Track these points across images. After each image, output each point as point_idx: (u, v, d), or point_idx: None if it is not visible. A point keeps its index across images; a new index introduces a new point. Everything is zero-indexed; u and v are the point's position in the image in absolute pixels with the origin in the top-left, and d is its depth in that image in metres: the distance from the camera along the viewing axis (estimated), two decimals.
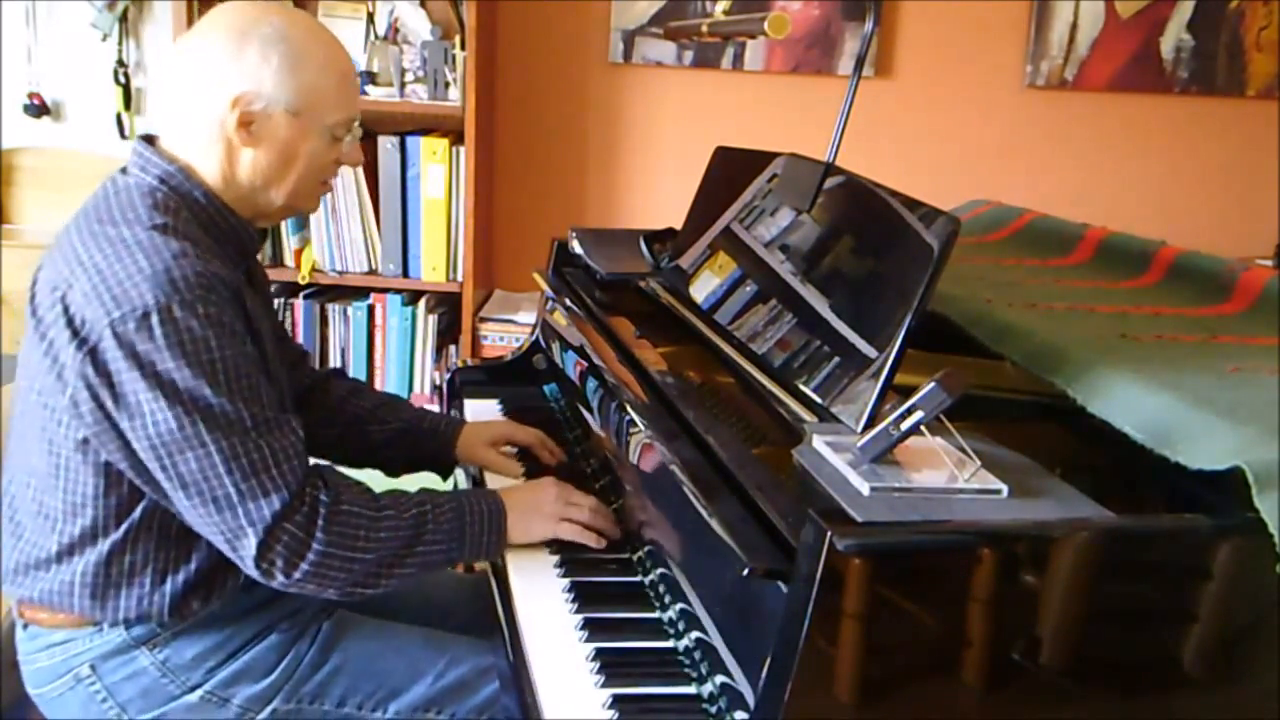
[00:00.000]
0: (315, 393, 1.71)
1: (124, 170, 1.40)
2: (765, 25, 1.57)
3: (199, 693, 1.39)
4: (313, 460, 1.39)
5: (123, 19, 3.05)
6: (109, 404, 1.26)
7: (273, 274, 2.77)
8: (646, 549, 1.42)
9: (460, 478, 1.81)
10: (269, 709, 1.41)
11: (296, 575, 1.29)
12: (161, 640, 1.38)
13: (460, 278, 2.86)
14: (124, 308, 1.24)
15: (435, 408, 2.47)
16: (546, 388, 2.07)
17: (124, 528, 1.33)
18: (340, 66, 1.41)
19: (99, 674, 1.38)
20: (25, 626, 1.42)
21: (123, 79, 3.07)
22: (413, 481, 1.74)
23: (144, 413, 1.24)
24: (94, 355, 1.25)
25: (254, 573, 1.29)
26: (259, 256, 1.53)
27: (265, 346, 1.37)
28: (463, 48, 2.77)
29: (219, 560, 1.36)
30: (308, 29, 1.39)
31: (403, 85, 2.82)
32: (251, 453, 1.26)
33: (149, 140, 1.40)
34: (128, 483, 1.31)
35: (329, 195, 1.56)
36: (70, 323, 1.27)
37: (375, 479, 1.75)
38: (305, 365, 1.73)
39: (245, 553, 1.27)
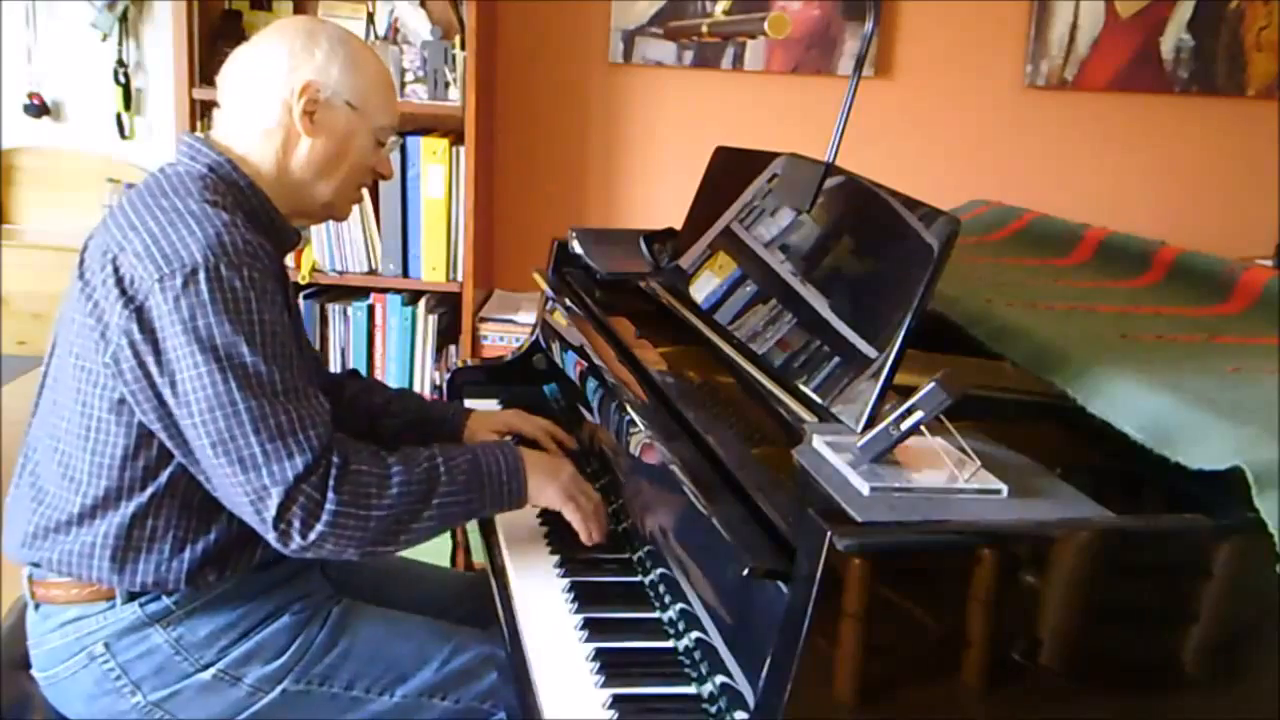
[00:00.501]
0: (332, 392, 1.72)
1: (172, 164, 1.46)
2: (765, 25, 1.58)
3: (211, 671, 1.41)
4: None
5: (123, 19, 3.05)
6: (150, 361, 1.30)
7: None
8: (646, 549, 1.42)
9: None
10: (279, 689, 1.43)
11: (313, 536, 1.30)
12: (175, 618, 1.40)
13: (460, 278, 2.86)
14: (174, 265, 1.29)
15: None
16: (546, 388, 2.07)
17: (149, 492, 1.36)
18: (388, 78, 1.55)
19: (112, 651, 1.40)
20: (38, 607, 1.44)
21: (123, 79, 3.07)
22: None
23: (182, 369, 1.29)
24: (140, 313, 1.30)
25: (272, 535, 1.30)
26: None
27: (300, 330, 1.43)
28: (463, 48, 2.77)
29: (237, 534, 1.39)
30: (362, 41, 1.54)
31: (403, 85, 2.83)
32: (280, 414, 1.30)
33: (200, 138, 1.47)
34: (157, 445, 1.34)
35: None
36: (120, 282, 1.32)
37: None
38: (320, 368, 1.77)
39: (268, 514, 1.29)
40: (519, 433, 1.74)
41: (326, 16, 2.93)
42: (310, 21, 1.52)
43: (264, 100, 1.45)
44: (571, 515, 1.46)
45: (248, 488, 1.29)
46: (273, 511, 1.29)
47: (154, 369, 1.30)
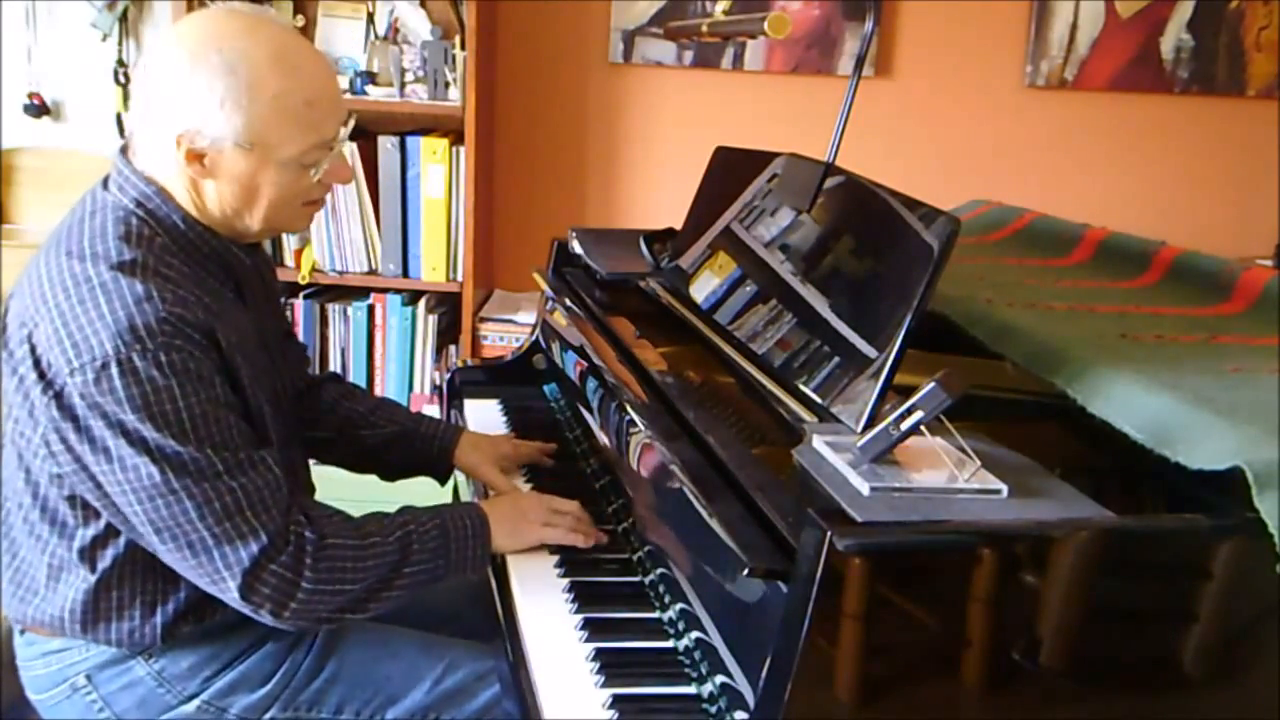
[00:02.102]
0: (308, 396, 1.70)
1: (105, 183, 1.36)
2: (765, 25, 1.57)
3: (196, 702, 1.38)
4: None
5: (123, 19, 3.05)
6: (78, 447, 1.24)
7: None
8: (646, 549, 1.42)
9: (461, 481, 1.80)
10: (266, 717, 1.41)
11: (286, 614, 1.28)
12: (157, 650, 1.37)
13: (460, 278, 2.86)
14: (84, 357, 1.21)
15: (435, 408, 2.46)
16: (546, 388, 2.07)
17: (110, 556, 1.31)
18: (303, 93, 1.30)
19: (95, 684, 1.38)
20: (22, 633, 1.42)
21: (123, 79, 3.07)
22: (406, 487, 1.74)
23: (114, 459, 1.22)
24: (59, 399, 1.23)
25: (244, 610, 1.28)
26: (261, 258, 1.50)
27: (245, 389, 1.32)
28: (463, 48, 2.77)
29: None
30: (270, 51, 1.28)
31: (403, 85, 2.82)
32: (224, 495, 1.24)
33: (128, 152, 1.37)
34: (105, 518, 1.30)
35: (329, 197, 1.51)
36: (37, 364, 1.25)
37: (370, 484, 1.75)
38: (302, 369, 1.71)
39: (229, 595, 1.26)
40: (516, 461, 1.72)
41: (326, 17, 2.93)
42: (201, 33, 1.29)
43: (156, 141, 1.31)
44: (554, 539, 1.45)
45: (200, 571, 1.25)
46: (234, 595, 1.25)
47: (86, 455, 1.23)
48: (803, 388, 1.31)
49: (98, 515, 1.30)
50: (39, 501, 1.32)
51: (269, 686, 1.41)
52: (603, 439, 1.63)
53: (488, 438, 1.78)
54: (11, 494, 1.37)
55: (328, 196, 1.46)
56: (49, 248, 1.33)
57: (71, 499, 1.30)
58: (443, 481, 1.76)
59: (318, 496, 1.54)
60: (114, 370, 1.20)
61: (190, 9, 2.76)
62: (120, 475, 1.23)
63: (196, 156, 1.29)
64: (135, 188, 1.32)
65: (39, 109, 3.10)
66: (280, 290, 1.62)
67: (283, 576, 1.26)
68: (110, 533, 1.31)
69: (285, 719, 1.41)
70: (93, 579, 1.32)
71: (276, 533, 1.26)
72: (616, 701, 1.16)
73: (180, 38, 1.30)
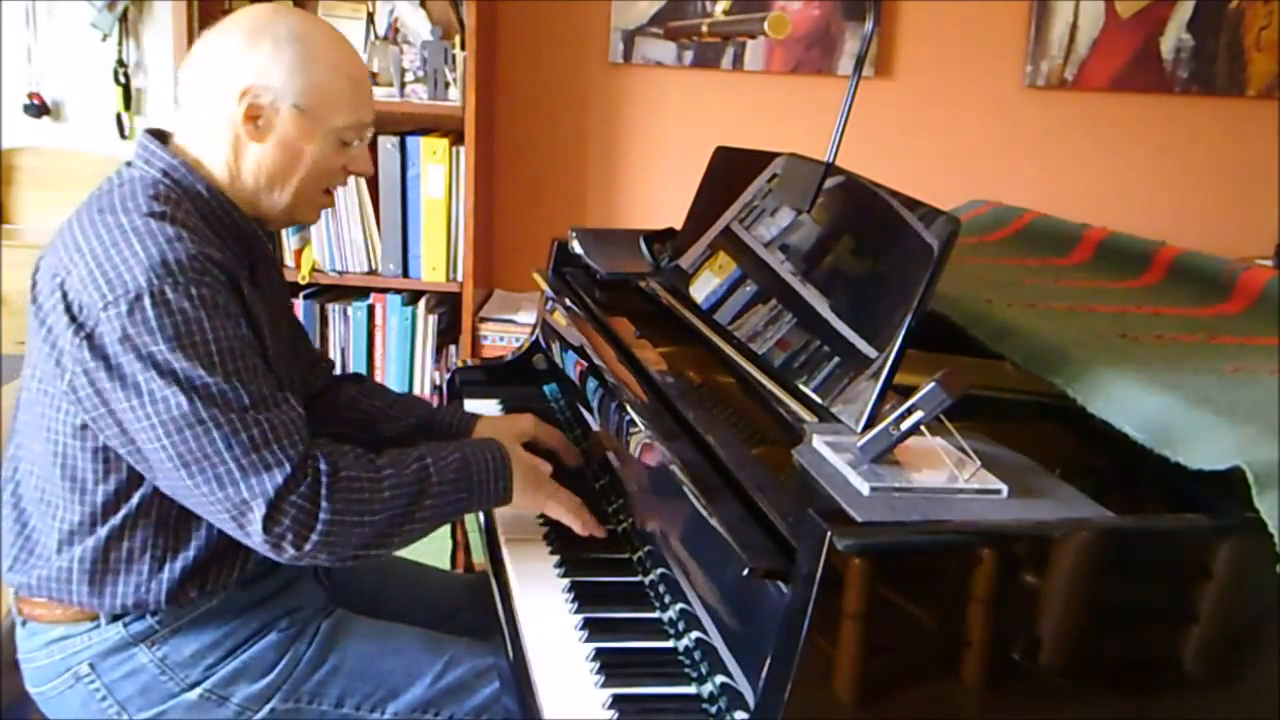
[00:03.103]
0: (327, 394, 1.71)
1: (129, 164, 1.41)
2: (765, 25, 1.57)
3: (198, 691, 1.39)
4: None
5: (123, 19, 3.05)
6: (107, 388, 1.26)
7: None
8: (646, 549, 1.42)
9: None
10: (267, 708, 1.41)
11: (308, 547, 1.28)
12: (160, 637, 1.39)
13: (460, 278, 2.86)
14: (117, 291, 1.25)
15: None
16: (546, 388, 2.07)
17: (122, 513, 1.34)
18: (352, 71, 1.42)
19: (98, 672, 1.39)
20: (25, 624, 1.43)
21: (123, 79, 3.07)
22: None
23: (143, 393, 1.25)
24: (90, 340, 1.26)
25: (263, 548, 1.28)
26: (273, 254, 1.53)
27: (265, 338, 1.37)
28: (463, 48, 2.77)
29: (217, 548, 1.37)
30: (324, 32, 1.42)
31: (403, 85, 2.83)
32: (251, 428, 1.26)
33: (158, 135, 1.42)
34: (126, 467, 1.32)
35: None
36: (69, 309, 1.28)
37: None
38: (319, 369, 1.73)
39: (252, 528, 1.27)
40: (539, 443, 1.70)
41: (326, 16, 2.93)
42: (261, 14, 1.40)
43: (209, 103, 1.38)
44: (558, 514, 1.46)
45: (227, 504, 1.27)
46: (258, 525, 1.26)
47: (112, 395, 1.26)
48: (803, 388, 1.31)
49: (118, 469, 1.32)
50: (58, 460, 1.33)
51: (271, 677, 1.41)
52: (603, 439, 1.63)
53: (506, 418, 1.78)
54: (26, 460, 1.39)
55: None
56: (77, 214, 1.38)
57: (95, 452, 1.32)
58: None
59: None
60: (147, 302, 1.24)
61: (190, 9, 2.77)
62: (149, 409, 1.25)
63: (253, 116, 1.37)
64: (162, 160, 1.38)
65: (39, 109, 3.10)
66: (288, 295, 1.64)
67: (302, 508, 1.27)
68: (129, 488, 1.33)
69: (286, 709, 1.42)
70: (102, 536, 1.33)
71: (298, 465, 1.28)
72: (616, 701, 1.16)
73: (234, 20, 1.40)
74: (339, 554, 1.31)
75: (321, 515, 1.28)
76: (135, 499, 1.34)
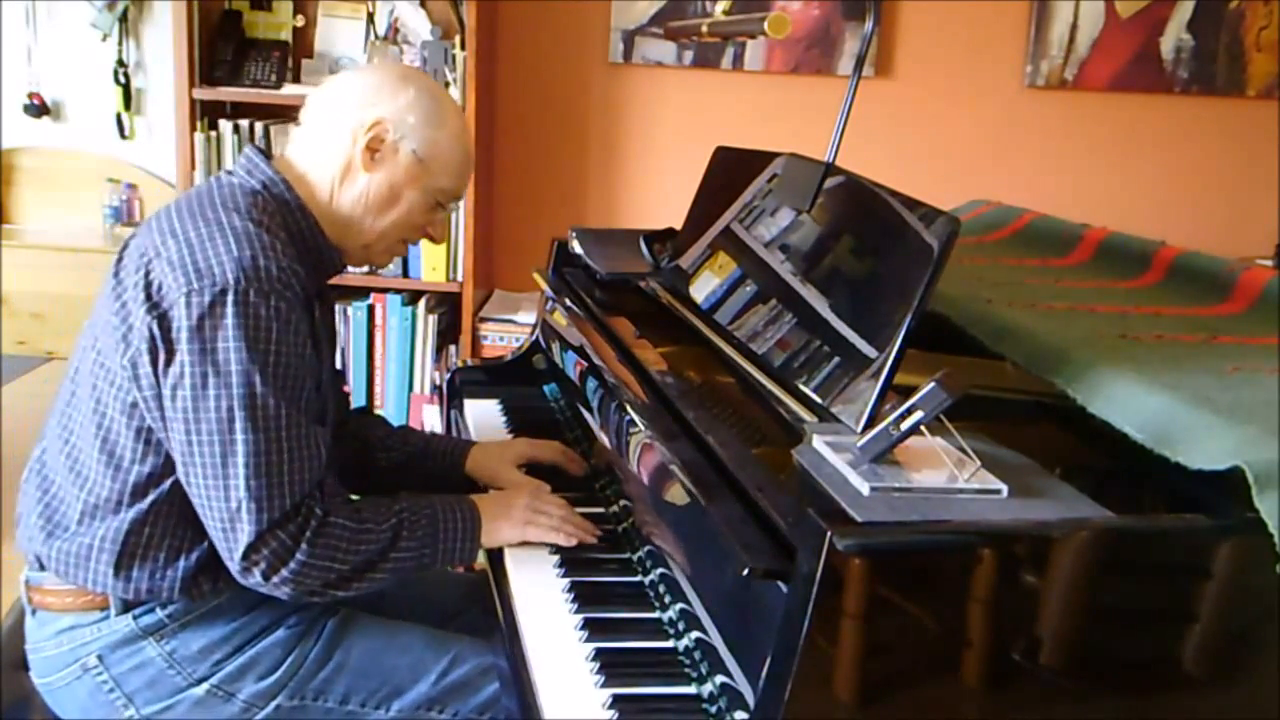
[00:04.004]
0: (340, 425, 1.72)
1: (229, 172, 1.46)
2: (765, 25, 1.58)
3: (205, 686, 1.40)
4: None
5: (123, 19, 3.05)
6: (163, 371, 1.30)
7: None
8: (646, 549, 1.42)
9: None
10: (273, 704, 1.42)
11: (275, 579, 1.31)
12: (169, 631, 1.40)
13: (460, 278, 2.86)
14: (204, 280, 1.29)
15: (435, 408, 2.47)
16: (546, 388, 2.07)
17: (150, 498, 1.35)
18: (469, 148, 1.53)
19: (106, 664, 1.40)
20: (34, 613, 1.44)
21: (123, 79, 3.08)
22: None
23: (186, 385, 1.28)
24: (162, 320, 1.30)
25: (234, 566, 1.31)
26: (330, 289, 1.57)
27: (323, 362, 1.41)
28: (463, 48, 2.77)
29: None
30: (455, 105, 1.53)
31: None
32: (273, 454, 1.29)
33: (262, 152, 1.47)
34: (165, 453, 1.34)
35: None
36: (149, 286, 1.32)
37: None
38: (346, 405, 1.75)
39: (236, 546, 1.29)
40: (538, 461, 1.71)
41: (327, 17, 2.94)
42: (410, 70, 1.53)
43: (335, 125, 1.44)
44: (535, 537, 1.46)
45: (224, 514, 1.29)
46: (240, 548, 1.29)
47: (168, 379, 1.30)
48: (803, 388, 1.31)
49: (156, 452, 1.35)
50: (100, 433, 1.36)
51: (278, 673, 1.42)
52: (603, 439, 1.63)
53: (499, 442, 1.79)
54: (63, 429, 1.41)
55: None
56: (176, 203, 1.42)
57: (139, 431, 1.34)
58: None
59: None
60: (229, 298, 1.28)
61: (190, 9, 2.77)
62: (189, 404, 1.28)
63: (374, 147, 1.43)
64: (264, 173, 1.44)
65: (39, 109, 3.10)
66: (335, 329, 1.67)
67: (284, 543, 1.30)
68: (162, 473, 1.35)
69: (292, 706, 1.43)
70: (126, 518, 1.35)
71: (299, 502, 1.31)
72: (616, 701, 1.16)
73: (386, 65, 1.54)
74: (300, 590, 1.33)
75: (298, 555, 1.31)
76: (166, 485, 1.35)
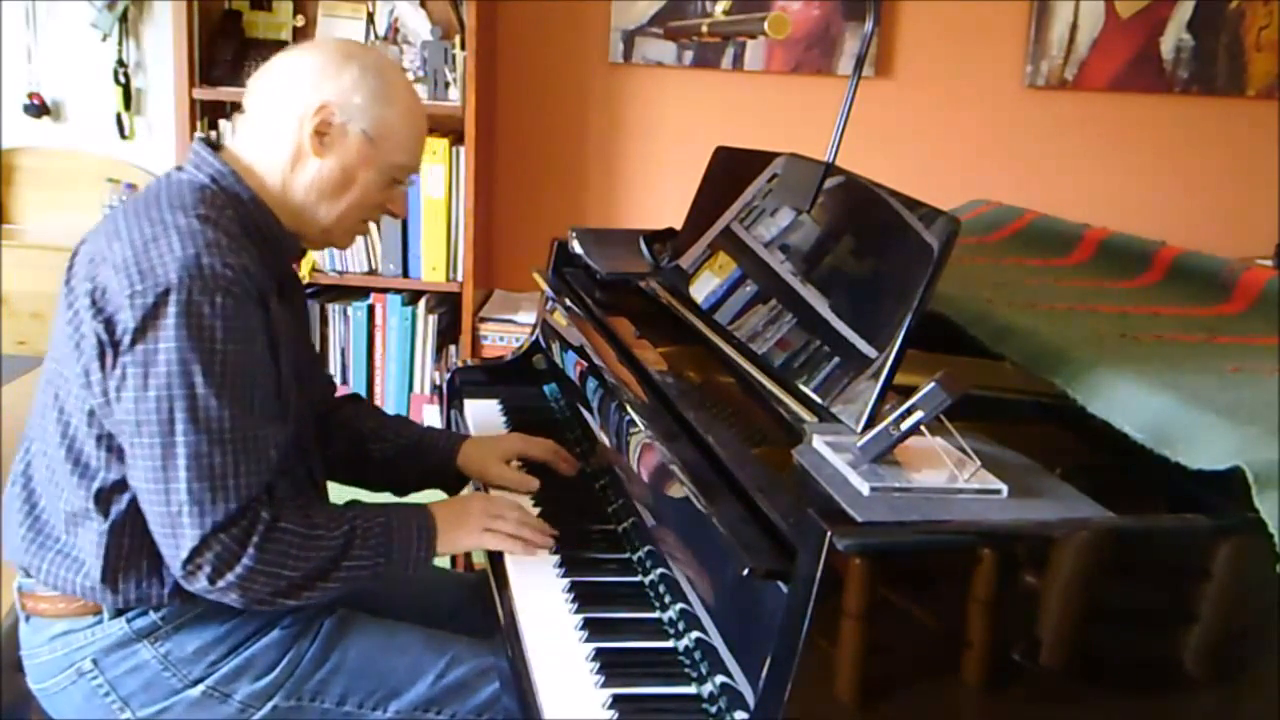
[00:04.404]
0: (323, 416, 1.71)
1: (179, 168, 1.44)
2: (765, 25, 1.58)
3: (201, 687, 1.40)
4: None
5: (123, 19, 3.05)
6: (110, 375, 1.29)
7: None
8: (646, 549, 1.42)
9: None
10: (269, 705, 1.41)
11: (220, 584, 1.29)
12: (163, 634, 1.39)
13: (460, 278, 2.86)
14: (147, 282, 1.27)
15: (435, 408, 2.47)
16: (546, 388, 2.07)
17: (123, 504, 1.34)
18: (419, 120, 1.49)
19: (101, 668, 1.39)
20: (28, 619, 1.43)
21: (123, 79, 3.08)
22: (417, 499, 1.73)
23: (128, 386, 1.27)
24: (108, 324, 1.28)
25: (179, 571, 1.30)
26: (298, 276, 1.56)
27: (282, 354, 1.38)
28: (463, 48, 2.77)
29: None
30: (403, 77, 1.49)
31: None
32: (215, 456, 1.27)
33: (209, 144, 1.45)
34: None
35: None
36: (95, 291, 1.31)
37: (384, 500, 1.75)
38: (328, 394, 1.74)
39: (179, 551, 1.28)
40: (529, 458, 1.71)
41: (327, 17, 2.94)
42: (351, 44, 1.49)
43: (281, 112, 1.42)
44: (493, 545, 1.46)
45: (166, 518, 1.28)
46: (183, 552, 1.28)
47: (115, 383, 1.29)
48: (803, 388, 1.31)
49: (119, 460, 1.33)
50: (66, 441, 1.35)
51: (274, 674, 1.42)
52: (603, 439, 1.63)
53: (492, 437, 1.78)
54: (39, 439, 1.41)
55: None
56: (124, 205, 1.41)
57: (100, 438, 1.33)
58: (451, 492, 1.75)
59: None
60: (172, 299, 1.26)
61: (190, 9, 2.77)
62: (131, 405, 1.27)
63: (322, 131, 1.40)
64: (212, 166, 1.41)
65: (39, 109, 3.10)
66: (308, 316, 1.65)
67: (228, 547, 1.29)
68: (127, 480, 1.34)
69: (288, 707, 1.42)
70: (105, 526, 1.34)
71: (243, 506, 1.29)
72: (616, 701, 1.16)
73: (326, 42, 1.48)
74: (249, 598, 1.32)
75: (244, 560, 1.29)
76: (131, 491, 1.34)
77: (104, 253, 1.32)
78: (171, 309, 1.26)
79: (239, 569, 1.29)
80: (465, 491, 1.74)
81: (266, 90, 1.44)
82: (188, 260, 1.27)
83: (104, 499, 1.34)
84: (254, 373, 1.31)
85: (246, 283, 1.30)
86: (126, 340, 1.27)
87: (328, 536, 1.35)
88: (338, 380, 2.84)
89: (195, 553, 1.28)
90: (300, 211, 1.44)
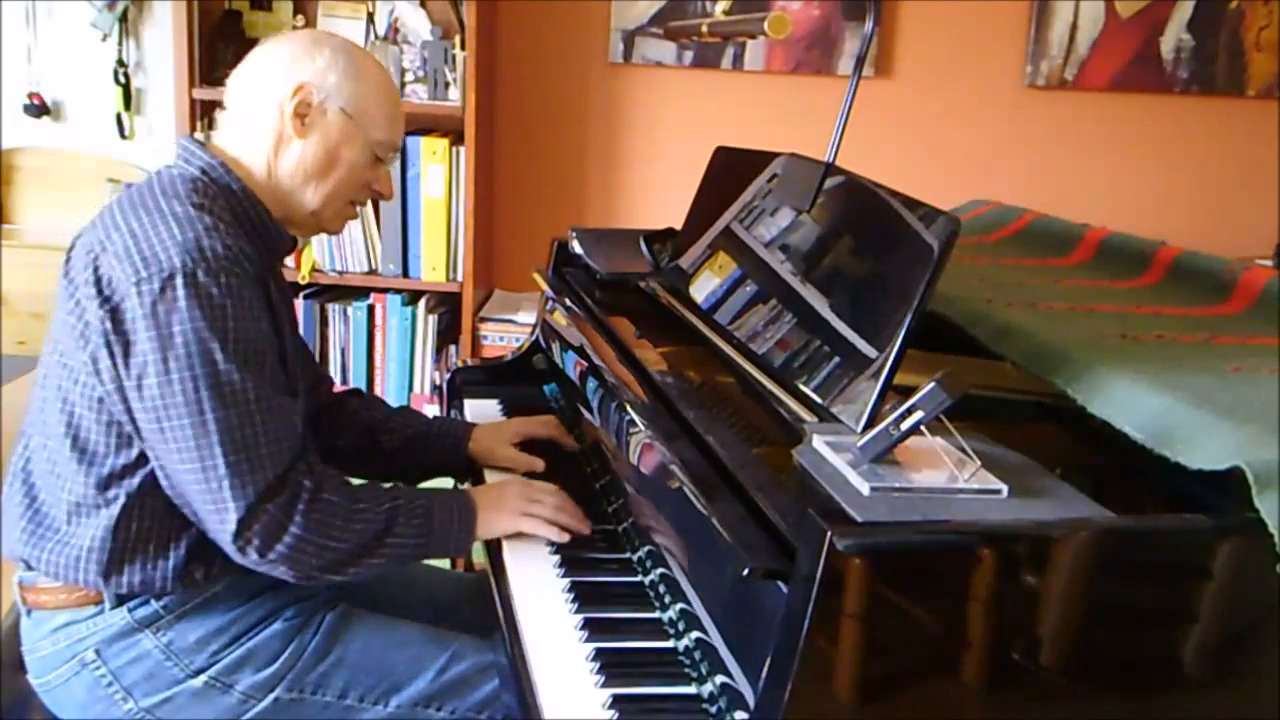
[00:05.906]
0: (330, 410, 1.74)
1: (169, 166, 1.47)
2: (765, 25, 1.58)
3: (203, 678, 1.41)
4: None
5: (123, 19, 3.05)
6: (122, 363, 1.30)
7: None
8: (646, 549, 1.42)
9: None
10: (271, 697, 1.42)
11: (271, 556, 1.32)
12: (165, 623, 1.40)
13: (460, 278, 2.86)
14: (151, 269, 1.29)
15: (435, 408, 2.47)
16: (546, 388, 2.07)
17: (129, 490, 1.35)
18: (393, 95, 1.53)
19: (103, 658, 1.40)
20: (30, 613, 1.44)
21: (123, 79, 3.07)
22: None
23: (150, 373, 1.29)
24: (115, 314, 1.30)
25: (230, 547, 1.31)
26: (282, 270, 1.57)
27: (284, 339, 1.41)
28: (463, 48, 2.77)
29: None
30: (372, 57, 1.54)
31: (403, 85, 2.82)
32: (246, 428, 1.30)
33: (196, 141, 1.47)
34: (137, 445, 1.35)
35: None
36: (98, 282, 1.32)
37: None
38: (324, 387, 1.76)
39: (226, 525, 1.30)
40: (533, 436, 1.75)
41: (326, 17, 2.94)
42: (319, 32, 1.55)
43: (260, 100, 1.45)
44: (529, 529, 1.47)
45: (209, 497, 1.30)
46: (233, 525, 1.29)
47: (129, 371, 1.30)
48: (803, 388, 1.31)
49: (128, 446, 1.35)
50: (71, 431, 1.36)
51: (276, 665, 1.43)
52: (603, 439, 1.63)
53: (495, 423, 1.83)
54: (39, 433, 1.42)
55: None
56: (118, 200, 1.44)
57: (109, 425, 1.35)
58: (461, 481, 1.77)
59: None
60: (179, 282, 1.28)
61: (190, 9, 2.77)
62: (154, 392, 1.29)
63: (302, 113, 1.43)
64: (200, 159, 1.44)
65: (39, 109, 3.10)
66: (295, 310, 1.67)
67: (275, 517, 1.31)
68: (137, 463, 1.35)
69: (289, 699, 1.43)
70: (109, 515, 1.35)
71: (282, 475, 1.32)
72: (616, 701, 1.16)
73: (294, 33, 1.51)
74: (299, 570, 1.34)
75: (292, 529, 1.31)
76: (140, 476, 1.35)
77: (103, 243, 1.34)
78: (180, 291, 1.28)
79: (288, 538, 1.31)
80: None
81: (244, 83, 1.48)
82: (188, 244, 1.30)
83: (111, 484, 1.35)
84: (264, 350, 1.34)
85: (245, 264, 1.33)
86: (140, 327, 1.29)
87: (371, 510, 1.38)
88: (338, 380, 2.85)
89: (243, 524, 1.30)
90: (288, 197, 1.47)
